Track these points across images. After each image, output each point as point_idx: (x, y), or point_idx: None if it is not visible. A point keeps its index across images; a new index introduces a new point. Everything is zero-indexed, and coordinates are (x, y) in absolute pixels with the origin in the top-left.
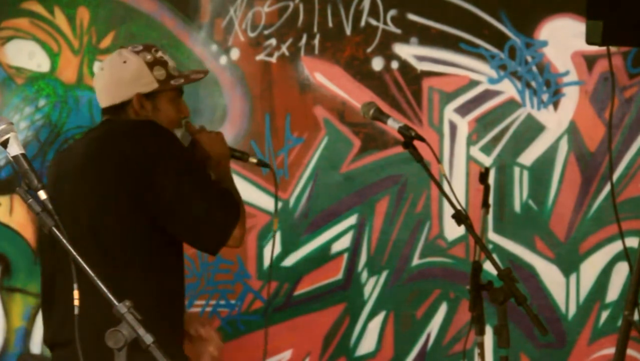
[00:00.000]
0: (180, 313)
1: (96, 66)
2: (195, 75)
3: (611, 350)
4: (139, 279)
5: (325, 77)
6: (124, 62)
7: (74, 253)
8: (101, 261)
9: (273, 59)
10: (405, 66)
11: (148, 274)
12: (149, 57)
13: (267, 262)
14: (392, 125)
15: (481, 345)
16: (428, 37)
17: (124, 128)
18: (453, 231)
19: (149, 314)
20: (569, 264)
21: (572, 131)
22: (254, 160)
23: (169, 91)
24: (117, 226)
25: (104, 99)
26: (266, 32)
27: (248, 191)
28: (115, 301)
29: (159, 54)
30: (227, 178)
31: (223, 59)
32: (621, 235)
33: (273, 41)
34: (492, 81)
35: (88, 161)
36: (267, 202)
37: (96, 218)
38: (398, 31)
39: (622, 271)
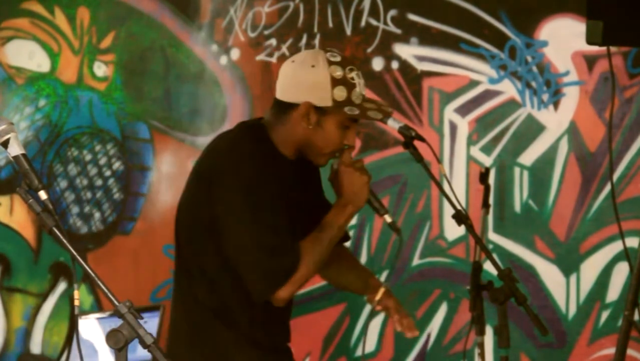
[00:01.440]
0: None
1: (290, 60)
2: (375, 113)
3: (611, 350)
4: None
5: None
6: (313, 66)
7: (74, 253)
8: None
9: (273, 59)
10: (405, 66)
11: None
12: (338, 73)
13: None
14: (393, 125)
15: (481, 345)
16: (428, 37)
17: (216, 151)
18: (453, 231)
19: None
20: (569, 265)
21: (572, 131)
22: (388, 219)
23: (340, 115)
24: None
25: (279, 91)
26: (266, 32)
27: None
28: (116, 302)
29: (352, 74)
30: (335, 225)
31: (223, 59)
32: (621, 235)
33: (273, 41)
34: (492, 81)
35: (194, 167)
36: None
37: (178, 224)
38: (398, 31)
39: (622, 271)
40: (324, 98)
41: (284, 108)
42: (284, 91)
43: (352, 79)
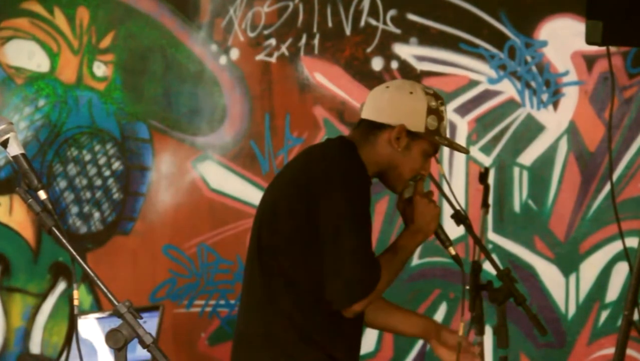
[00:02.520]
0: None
1: (384, 85)
2: (458, 146)
3: (611, 350)
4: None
5: (325, 77)
6: (411, 92)
7: (74, 254)
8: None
9: (273, 59)
10: (405, 66)
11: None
12: (433, 104)
13: None
14: None
15: (481, 345)
16: (428, 37)
17: (316, 153)
18: (452, 231)
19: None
20: (569, 264)
21: (572, 131)
22: (452, 251)
23: (428, 142)
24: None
25: (371, 112)
26: (266, 32)
27: (248, 191)
28: (115, 301)
29: (442, 108)
30: (407, 250)
31: (223, 59)
32: (621, 235)
33: (273, 41)
34: (491, 81)
35: (280, 176)
36: None
37: (262, 229)
38: (398, 31)
39: (621, 271)
40: (418, 124)
41: (375, 128)
42: (379, 113)
43: (442, 112)
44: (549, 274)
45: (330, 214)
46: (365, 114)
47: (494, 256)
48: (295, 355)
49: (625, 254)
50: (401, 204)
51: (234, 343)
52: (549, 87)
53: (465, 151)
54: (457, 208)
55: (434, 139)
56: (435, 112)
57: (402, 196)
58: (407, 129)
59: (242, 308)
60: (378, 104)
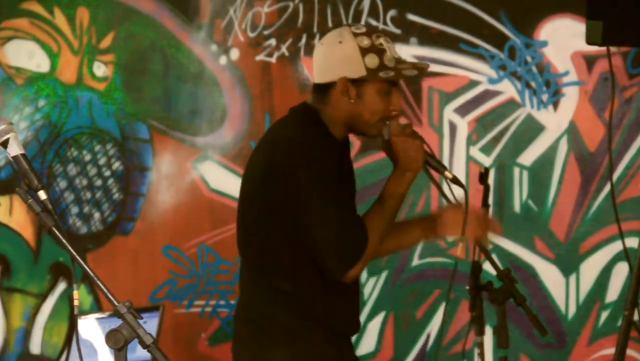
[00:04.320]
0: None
1: (318, 43)
2: (410, 71)
3: (611, 350)
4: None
5: None
6: (340, 42)
7: (74, 254)
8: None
9: (273, 59)
10: None
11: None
12: (365, 42)
13: None
14: None
15: (481, 345)
16: (428, 37)
17: (277, 135)
18: None
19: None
20: (569, 265)
21: (572, 131)
22: (449, 175)
23: (377, 81)
24: (256, 229)
25: (316, 75)
26: (266, 32)
27: None
28: (115, 302)
29: (380, 41)
30: (396, 195)
31: (223, 59)
32: (621, 235)
33: (273, 41)
34: (491, 81)
35: (249, 163)
36: None
37: (245, 218)
38: (398, 31)
39: (622, 271)
40: (357, 69)
41: (323, 90)
42: (319, 74)
43: (381, 44)
44: (549, 274)
45: (301, 193)
46: (314, 79)
47: (494, 257)
48: (297, 334)
49: (625, 254)
50: (382, 146)
51: (235, 335)
52: (549, 87)
53: (422, 69)
54: None
55: (378, 77)
56: (371, 49)
57: (383, 139)
58: (350, 79)
59: (241, 296)
60: (317, 65)
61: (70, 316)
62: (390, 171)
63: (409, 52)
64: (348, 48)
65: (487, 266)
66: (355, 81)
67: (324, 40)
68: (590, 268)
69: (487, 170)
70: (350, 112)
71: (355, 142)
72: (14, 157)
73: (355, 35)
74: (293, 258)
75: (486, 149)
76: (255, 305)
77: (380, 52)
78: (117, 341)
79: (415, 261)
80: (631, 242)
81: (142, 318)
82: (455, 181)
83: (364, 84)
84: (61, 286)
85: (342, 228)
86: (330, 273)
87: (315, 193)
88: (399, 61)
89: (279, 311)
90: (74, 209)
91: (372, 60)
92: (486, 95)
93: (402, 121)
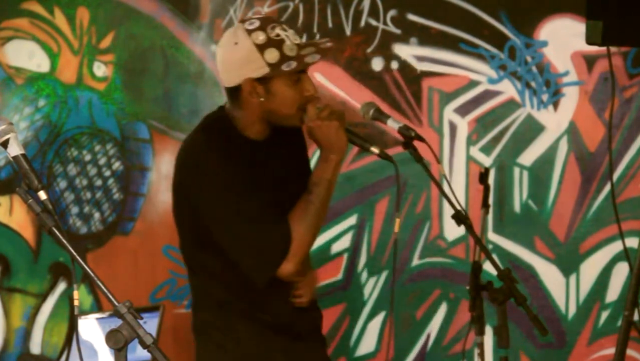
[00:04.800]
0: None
1: (218, 47)
2: (311, 58)
3: (611, 350)
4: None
5: (325, 77)
6: (235, 43)
7: (74, 254)
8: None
9: None
10: (405, 66)
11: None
12: (261, 37)
13: None
14: (392, 125)
15: (481, 345)
16: (428, 38)
17: (181, 149)
18: (453, 231)
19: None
20: (569, 265)
21: (572, 131)
22: (375, 150)
23: (281, 75)
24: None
25: (222, 80)
26: None
27: None
28: (115, 302)
29: (276, 31)
30: (323, 182)
31: None
32: (621, 235)
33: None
34: (491, 81)
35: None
36: None
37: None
38: (398, 31)
39: (622, 271)
40: (258, 68)
41: (233, 93)
42: (224, 78)
43: (278, 35)
44: (549, 274)
45: (206, 209)
46: (222, 83)
47: (495, 256)
48: (239, 337)
49: (626, 254)
50: (309, 135)
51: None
52: (549, 87)
53: (323, 50)
54: (458, 208)
55: (281, 72)
56: (269, 44)
57: (306, 127)
58: (254, 78)
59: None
60: (220, 69)
61: (70, 316)
62: (391, 170)
63: (409, 52)
64: (244, 48)
65: (487, 266)
66: (260, 79)
67: (220, 43)
68: (591, 268)
69: (487, 170)
70: (265, 110)
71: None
72: (14, 158)
73: (250, 32)
74: (221, 264)
75: (486, 149)
76: (197, 311)
77: (278, 43)
78: (117, 341)
79: (415, 261)
80: (631, 242)
81: (142, 318)
82: (383, 155)
83: (271, 79)
84: (61, 286)
85: (253, 236)
86: (255, 280)
87: (220, 207)
88: (300, 46)
89: (216, 316)
90: (74, 209)
91: (272, 54)
92: (486, 95)
93: (319, 103)
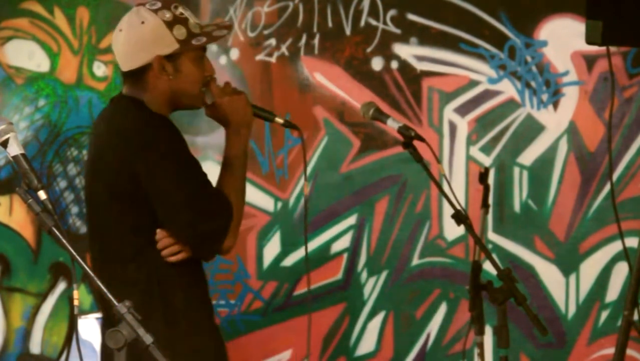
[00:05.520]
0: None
1: (117, 30)
2: (218, 32)
3: (611, 350)
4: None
5: (325, 77)
6: (142, 22)
7: (74, 254)
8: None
9: (273, 59)
10: (405, 66)
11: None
12: (167, 15)
13: (266, 262)
14: (392, 125)
15: (481, 345)
16: (428, 37)
17: (123, 129)
18: (453, 231)
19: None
20: (569, 264)
21: (572, 131)
22: (280, 120)
23: (191, 50)
24: (112, 218)
25: (124, 63)
26: (266, 32)
27: (248, 191)
28: (115, 301)
29: (179, 10)
30: (239, 152)
31: (223, 59)
32: (621, 235)
33: (273, 41)
34: (491, 80)
35: (95, 157)
36: (267, 202)
37: (97, 211)
38: (398, 31)
39: (621, 271)
40: (169, 44)
41: (138, 75)
42: (128, 60)
43: (182, 14)
44: (549, 274)
45: (159, 179)
46: (123, 67)
47: (494, 256)
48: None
49: (625, 254)
50: (209, 112)
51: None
52: (549, 87)
53: (227, 26)
54: (458, 207)
55: (192, 46)
56: (175, 21)
57: (206, 104)
58: (164, 55)
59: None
60: (123, 51)
61: (70, 316)
62: (390, 170)
63: (409, 52)
64: (153, 26)
65: (488, 266)
66: (169, 56)
67: (121, 26)
68: (590, 268)
69: (487, 170)
70: (172, 88)
71: (355, 142)
72: (14, 157)
73: (155, 11)
74: (150, 252)
75: (486, 149)
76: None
77: (184, 21)
78: (117, 341)
79: (415, 261)
80: (631, 242)
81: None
82: (288, 124)
83: (178, 57)
84: (61, 286)
85: (209, 204)
86: (200, 253)
87: (173, 175)
88: (202, 26)
89: (177, 302)
90: (74, 209)
91: (180, 31)
92: (486, 95)
93: (216, 81)
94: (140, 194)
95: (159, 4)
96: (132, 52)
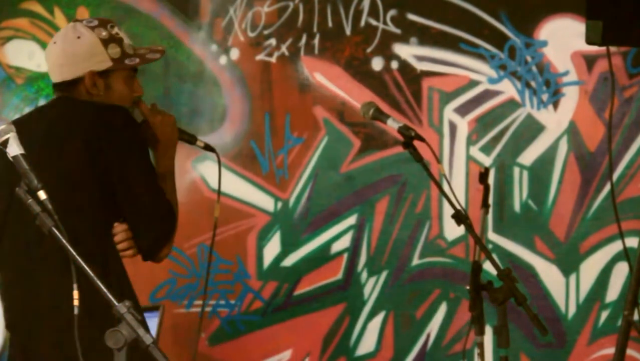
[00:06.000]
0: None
1: (52, 42)
2: (151, 55)
3: (611, 350)
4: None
5: (325, 77)
6: (78, 37)
7: (74, 254)
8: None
9: (273, 59)
10: (405, 66)
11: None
12: (104, 33)
13: (267, 262)
14: (392, 125)
15: (481, 345)
16: (428, 37)
17: (90, 113)
18: (453, 231)
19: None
20: (569, 264)
21: (572, 131)
22: (201, 144)
23: (123, 70)
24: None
25: (56, 75)
26: (266, 32)
27: (248, 191)
28: (114, 301)
29: (115, 30)
30: (170, 169)
31: (223, 59)
32: (621, 235)
33: (273, 41)
34: (491, 80)
35: (52, 143)
36: (267, 202)
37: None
38: (398, 31)
39: (622, 271)
40: (102, 61)
41: (70, 86)
42: (62, 72)
43: (117, 34)
44: (549, 274)
45: (132, 169)
46: (55, 78)
47: (495, 256)
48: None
49: (625, 254)
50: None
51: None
52: (549, 87)
53: (160, 51)
54: (458, 207)
55: (125, 65)
56: (111, 40)
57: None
58: (97, 72)
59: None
60: (57, 63)
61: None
62: (391, 170)
63: (409, 51)
64: (89, 42)
65: (488, 266)
66: (101, 72)
67: (56, 38)
68: (590, 268)
69: (487, 170)
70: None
71: (355, 142)
72: (14, 157)
73: (92, 28)
74: (102, 245)
75: (486, 149)
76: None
77: (119, 41)
78: (117, 341)
79: (415, 261)
80: (631, 242)
81: (141, 318)
82: (208, 148)
83: (110, 74)
84: None
85: (160, 206)
86: (146, 251)
87: (140, 166)
88: (135, 48)
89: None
90: None
91: (115, 50)
92: (486, 95)
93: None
94: (104, 174)
95: (96, 22)
96: (66, 64)
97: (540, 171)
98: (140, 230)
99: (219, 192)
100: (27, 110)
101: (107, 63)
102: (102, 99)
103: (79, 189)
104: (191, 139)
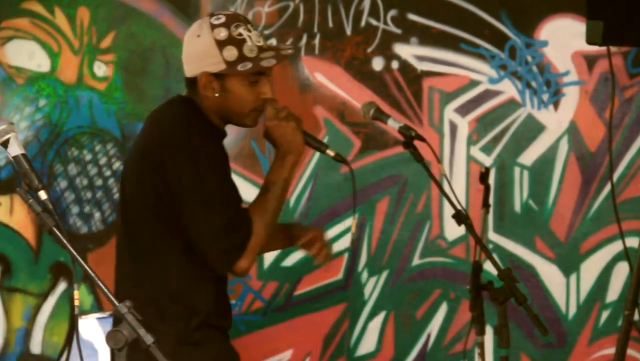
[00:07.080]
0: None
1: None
2: (268, 61)
3: (611, 350)
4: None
5: (326, 77)
6: (198, 35)
7: (75, 254)
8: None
9: None
10: (405, 66)
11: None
12: (223, 34)
13: (267, 262)
14: (392, 125)
15: (481, 345)
16: (428, 37)
17: (159, 127)
18: (453, 231)
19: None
20: (569, 264)
21: (572, 131)
22: (331, 153)
23: (237, 74)
24: (139, 215)
25: (184, 69)
26: (266, 32)
27: (248, 191)
28: (115, 302)
29: (239, 30)
30: (279, 181)
31: None
32: (621, 235)
33: (273, 41)
34: (492, 80)
35: (134, 148)
36: None
37: (128, 203)
38: (398, 31)
39: (622, 271)
40: (216, 63)
41: (191, 84)
42: (185, 68)
43: (240, 35)
44: (549, 274)
45: (184, 183)
46: (185, 72)
47: (495, 256)
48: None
49: (626, 254)
50: (264, 134)
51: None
52: (550, 87)
53: (283, 57)
54: (458, 207)
55: (236, 71)
56: (229, 41)
57: (263, 125)
58: (211, 73)
59: (118, 285)
60: (183, 59)
61: (70, 316)
62: (391, 170)
63: (409, 51)
64: (205, 42)
65: (488, 266)
66: (216, 75)
67: (188, 32)
68: (591, 268)
69: (487, 170)
70: (219, 105)
71: (355, 142)
72: (15, 157)
73: (213, 27)
74: (175, 255)
75: (486, 149)
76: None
77: (239, 43)
78: (118, 341)
79: (415, 261)
80: (631, 242)
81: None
82: (339, 158)
83: (226, 77)
84: (62, 286)
85: (224, 227)
86: (215, 267)
87: (199, 183)
88: (261, 49)
89: (166, 316)
90: (75, 209)
91: (230, 52)
92: (486, 95)
93: (277, 105)
94: (162, 188)
95: (223, 19)
96: (185, 62)
97: (540, 171)
98: (200, 250)
99: (354, 208)
100: (27, 110)
101: (220, 66)
102: (219, 100)
103: (145, 198)
104: (320, 147)
